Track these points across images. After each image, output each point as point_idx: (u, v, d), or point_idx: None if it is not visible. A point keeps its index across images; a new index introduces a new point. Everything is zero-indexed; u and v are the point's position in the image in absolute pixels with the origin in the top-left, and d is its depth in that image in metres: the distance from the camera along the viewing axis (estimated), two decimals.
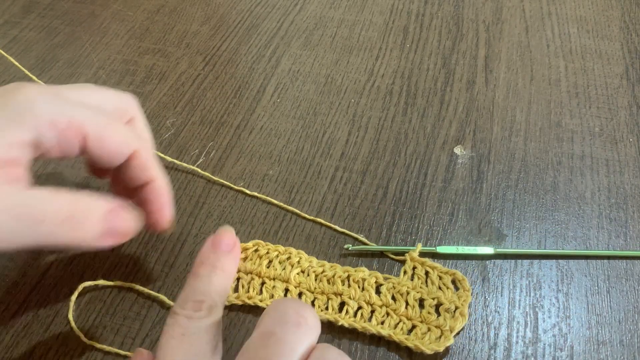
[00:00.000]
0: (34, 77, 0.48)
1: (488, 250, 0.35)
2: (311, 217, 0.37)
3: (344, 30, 0.52)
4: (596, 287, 0.34)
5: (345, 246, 0.36)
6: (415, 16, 0.53)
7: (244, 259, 0.34)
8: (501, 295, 0.33)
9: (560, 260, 0.35)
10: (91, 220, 0.28)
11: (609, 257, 0.35)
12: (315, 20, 0.53)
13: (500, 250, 0.35)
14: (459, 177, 0.39)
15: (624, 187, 0.39)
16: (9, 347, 0.32)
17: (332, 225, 0.37)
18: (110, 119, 0.30)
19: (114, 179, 0.33)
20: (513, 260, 0.35)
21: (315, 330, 0.25)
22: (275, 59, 0.49)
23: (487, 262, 0.35)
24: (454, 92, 0.45)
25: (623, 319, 0.32)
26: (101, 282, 0.34)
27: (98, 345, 0.32)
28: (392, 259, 0.35)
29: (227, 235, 0.31)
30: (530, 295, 0.33)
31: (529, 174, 0.40)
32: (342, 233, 0.36)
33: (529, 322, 0.32)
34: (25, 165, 0.28)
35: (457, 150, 0.41)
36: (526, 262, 0.35)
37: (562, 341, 0.32)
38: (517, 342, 0.32)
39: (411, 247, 0.35)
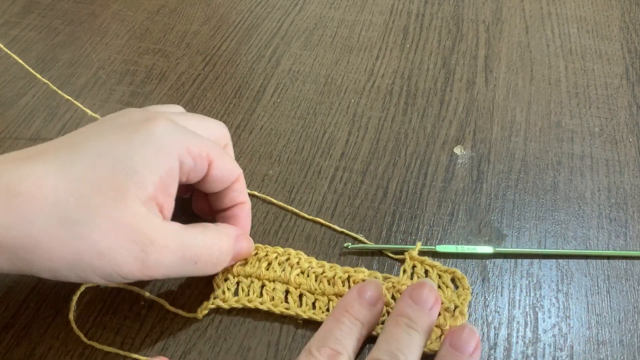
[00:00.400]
0: (37, 75, 0.48)
1: (487, 249, 0.35)
2: (311, 217, 0.37)
3: (344, 30, 0.52)
4: (596, 287, 0.34)
5: (345, 245, 0.36)
6: (415, 16, 0.53)
7: (244, 264, 0.34)
8: (501, 295, 0.33)
9: (560, 260, 0.35)
10: (228, 254, 0.32)
11: (608, 257, 0.35)
12: (315, 20, 0.53)
13: (500, 249, 0.35)
14: (459, 177, 0.39)
15: (623, 187, 0.39)
16: (9, 347, 0.32)
17: (332, 225, 0.37)
18: (221, 147, 0.33)
19: (200, 199, 0.36)
20: (513, 260, 0.35)
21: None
22: (275, 59, 0.49)
23: (486, 262, 0.35)
24: (454, 92, 0.46)
25: (623, 319, 0.32)
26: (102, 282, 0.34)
27: (98, 346, 0.32)
28: (392, 258, 0.35)
29: (374, 288, 0.31)
30: (530, 295, 0.33)
31: (528, 174, 0.40)
32: (342, 233, 0.36)
33: (529, 322, 0.32)
34: (174, 194, 0.30)
35: (457, 150, 0.41)
36: (526, 262, 0.35)
37: (562, 341, 0.32)
38: (517, 342, 0.32)
39: (411, 246, 0.35)
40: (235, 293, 0.33)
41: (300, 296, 0.33)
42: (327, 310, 0.32)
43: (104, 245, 0.26)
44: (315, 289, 0.33)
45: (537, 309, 0.33)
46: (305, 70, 0.48)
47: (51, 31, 0.53)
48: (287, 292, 0.33)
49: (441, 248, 0.35)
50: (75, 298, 0.33)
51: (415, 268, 0.34)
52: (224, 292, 0.33)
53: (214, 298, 0.33)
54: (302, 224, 0.37)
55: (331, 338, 0.28)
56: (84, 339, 0.32)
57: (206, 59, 0.50)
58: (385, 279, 0.33)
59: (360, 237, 0.36)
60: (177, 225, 0.29)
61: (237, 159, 0.41)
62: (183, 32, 0.52)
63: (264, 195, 0.39)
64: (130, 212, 0.27)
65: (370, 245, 0.36)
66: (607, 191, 0.38)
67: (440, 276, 0.33)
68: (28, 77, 0.48)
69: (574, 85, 0.46)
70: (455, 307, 0.32)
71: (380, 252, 0.36)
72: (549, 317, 0.33)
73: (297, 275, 0.33)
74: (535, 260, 0.35)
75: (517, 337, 0.32)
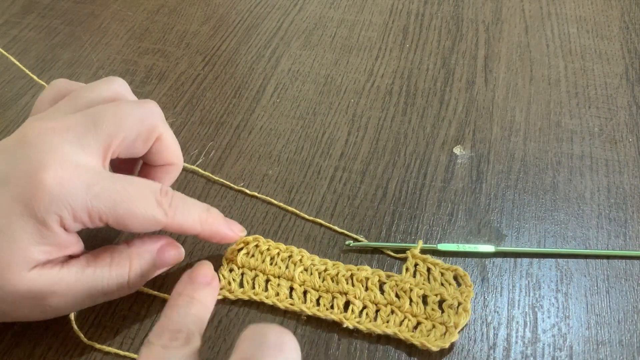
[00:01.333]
0: (34, 77, 0.48)
1: (489, 248, 0.35)
2: (311, 218, 0.37)
3: (344, 30, 0.52)
4: (595, 287, 0.34)
5: (347, 242, 0.36)
6: (415, 16, 0.53)
7: (246, 254, 0.35)
8: (500, 296, 0.33)
9: (559, 261, 0.35)
10: (144, 274, 0.31)
11: (608, 257, 0.35)
12: (315, 20, 0.53)
13: (501, 248, 0.35)
14: (459, 177, 0.40)
15: (623, 187, 0.39)
16: (9, 347, 0.32)
17: (331, 226, 0.37)
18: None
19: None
20: (512, 261, 0.35)
21: (297, 356, 0.24)
22: (275, 59, 0.49)
23: (486, 262, 0.35)
24: (454, 92, 0.46)
25: (622, 319, 0.32)
26: None
27: (97, 346, 0.32)
28: (392, 256, 0.35)
29: (205, 269, 0.31)
30: (529, 296, 0.33)
31: (528, 174, 0.40)
32: (342, 234, 0.36)
33: (528, 322, 0.32)
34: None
35: (457, 150, 0.41)
36: (525, 262, 0.35)
37: (561, 341, 0.32)
38: (516, 342, 0.32)
39: (412, 244, 0.35)
40: (241, 285, 0.34)
41: (305, 293, 0.33)
42: (332, 307, 0.32)
43: (8, 311, 0.28)
44: (320, 286, 0.33)
45: (536, 309, 0.33)
46: (304, 70, 0.48)
47: (51, 31, 0.53)
48: (291, 288, 0.33)
49: (442, 247, 0.35)
50: None
51: (418, 266, 0.34)
52: (229, 283, 0.34)
53: (220, 289, 0.33)
54: (302, 224, 0.37)
55: (168, 322, 0.28)
56: (84, 339, 0.32)
57: (206, 59, 0.50)
58: (388, 277, 0.33)
59: (360, 237, 0.36)
60: (77, 267, 0.29)
61: (237, 159, 0.41)
62: (183, 32, 0.52)
63: (263, 196, 0.39)
64: (21, 282, 0.27)
65: (372, 243, 0.36)
66: (607, 191, 0.38)
67: (442, 274, 0.33)
68: (28, 77, 0.48)
69: (574, 85, 0.46)
70: (459, 304, 0.32)
71: (380, 251, 0.36)
72: (549, 317, 0.33)
73: (301, 272, 0.34)
74: (535, 261, 0.35)
75: (517, 337, 0.32)
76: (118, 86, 0.33)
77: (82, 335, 0.32)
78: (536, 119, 0.43)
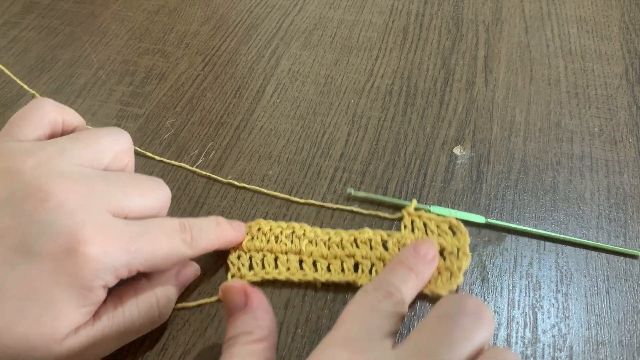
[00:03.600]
0: (24, 86, 0.48)
1: (480, 218, 0.36)
2: (302, 200, 0.38)
3: (344, 30, 0.52)
4: (595, 288, 0.34)
5: (348, 190, 0.38)
6: (414, 16, 0.53)
7: (251, 238, 0.35)
8: (500, 296, 0.33)
9: (559, 261, 0.35)
10: (170, 301, 0.32)
11: (601, 250, 0.35)
12: (315, 20, 0.53)
13: (492, 221, 0.36)
14: (459, 177, 0.40)
15: (623, 188, 0.39)
16: None
17: (324, 204, 0.38)
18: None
19: None
20: (513, 261, 0.35)
21: (491, 327, 0.26)
22: (274, 59, 0.49)
23: (486, 262, 0.35)
24: (454, 92, 0.46)
25: (622, 320, 0.32)
26: None
27: None
28: (388, 218, 0.37)
29: (429, 246, 0.33)
30: (529, 296, 0.33)
31: (528, 174, 0.40)
32: (337, 209, 0.36)
33: (528, 323, 0.32)
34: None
35: (457, 150, 0.41)
36: (526, 262, 0.35)
37: (561, 342, 0.32)
38: (516, 343, 0.32)
39: (407, 202, 0.37)
40: (250, 268, 0.34)
41: (314, 263, 0.34)
42: (342, 271, 0.34)
43: None
44: (327, 254, 0.35)
45: (536, 310, 0.33)
46: (304, 71, 0.48)
47: (51, 31, 0.53)
48: (300, 261, 0.35)
49: (435, 209, 0.37)
50: None
51: (414, 222, 0.36)
52: (239, 269, 0.34)
53: (232, 277, 0.34)
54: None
55: (385, 282, 0.29)
56: None
57: (206, 59, 0.50)
58: (389, 235, 0.35)
59: (355, 209, 0.37)
60: (107, 314, 0.29)
61: (237, 159, 0.41)
62: (183, 32, 0.52)
63: (252, 186, 0.39)
64: (62, 347, 0.27)
65: (372, 195, 0.38)
66: (607, 191, 0.38)
67: (438, 226, 0.36)
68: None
69: (574, 85, 0.46)
70: (458, 249, 0.34)
71: (376, 216, 0.37)
72: (549, 318, 0.33)
73: (307, 244, 0.35)
74: (535, 261, 0.35)
75: (517, 337, 0.32)
76: (124, 143, 0.33)
77: None
78: (536, 119, 0.43)
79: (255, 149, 0.42)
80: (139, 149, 0.42)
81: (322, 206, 0.38)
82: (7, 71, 0.45)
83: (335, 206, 0.38)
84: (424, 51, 0.49)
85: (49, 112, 0.32)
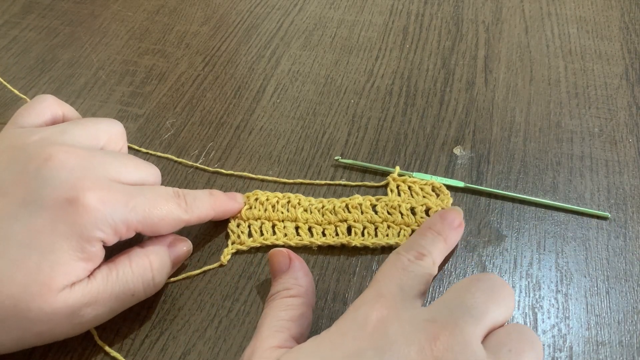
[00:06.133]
0: (16, 92, 0.48)
1: (459, 183, 0.39)
2: (291, 181, 0.40)
3: (344, 30, 0.52)
4: (595, 288, 0.34)
5: (335, 158, 0.40)
6: (414, 16, 0.53)
7: (249, 208, 0.37)
8: None
9: (559, 261, 0.35)
10: (164, 269, 0.33)
11: (573, 212, 0.35)
12: (315, 20, 0.53)
13: (470, 185, 0.39)
14: (459, 177, 0.40)
15: (623, 188, 0.39)
16: None
17: (313, 182, 0.39)
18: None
19: None
20: (512, 261, 0.35)
21: (512, 303, 0.28)
22: (275, 60, 0.49)
23: (486, 262, 0.35)
24: (454, 92, 0.46)
25: (622, 320, 0.32)
26: None
27: (107, 348, 0.32)
28: (374, 186, 0.39)
29: (456, 214, 0.34)
30: (529, 296, 0.33)
31: (528, 174, 0.40)
32: (325, 184, 0.37)
33: (528, 323, 0.32)
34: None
35: (457, 150, 0.41)
36: (526, 262, 0.35)
37: (561, 342, 0.32)
38: None
39: (391, 169, 0.39)
40: (250, 235, 0.36)
41: (310, 229, 0.37)
42: (337, 234, 0.36)
43: (46, 332, 0.29)
44: (321, 221, 0.37)
45: (536, 310, 0.33)
46: (304, 71, 0.48)
47: (51, 31, 0.53)
48: (297, 228, 0.37)
49: (417, 175, 0.39)
50: None
51: (400, 187, 0.38)
52: (239, 236, 0.36)
53: (232, 243, 0.36)
54: None
55: (416, 244, 0.31)
56: (98, 340, 0.32)
57: (206, 59, 0.50)
58: (377, 199, 0.37)
59: (342, 182, 0.36)
60: (102, 275, 0.30)
61: (237, 159, 0.41)
62: (183, 32, 0.52)
63: (239, 172, 0.40)
64: (58, 301, 0.28)
65: (358, 162, 0.40)
66: (607, 192, 0.38)
67: (422, 189, 0.38)
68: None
69: (574, 85, 0.46)
70: (442, 209, 0.36)
71: (363, 185, 0.39)
72: (548, 318, 0.33)
73: (302, 212, 0.37)
74: (535, 261, 0.35)
75: None
76: (119, 128, 0.35)
77: (96, 335, 0.32)
78: (536, 119, 0.43)
79: (255, 149, 0.42)
80: (140, 148, 0.42)
81: (312, 184, 0.39)
82: (2, 81, 0.45)
83: (324, 182, 0.39)
84: (424, 51, 0.49)
85: (51, 105, 0.35)
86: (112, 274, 0.30)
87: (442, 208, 0.37)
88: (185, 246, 0.34)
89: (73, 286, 0.28)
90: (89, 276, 0.29)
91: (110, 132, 0.34)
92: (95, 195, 0.29)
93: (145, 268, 0.31)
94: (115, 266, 0.30)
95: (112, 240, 0.30)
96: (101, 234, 0.29)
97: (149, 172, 0.34)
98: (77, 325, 0.29)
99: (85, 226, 0.28)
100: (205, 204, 0.34)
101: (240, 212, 0.37)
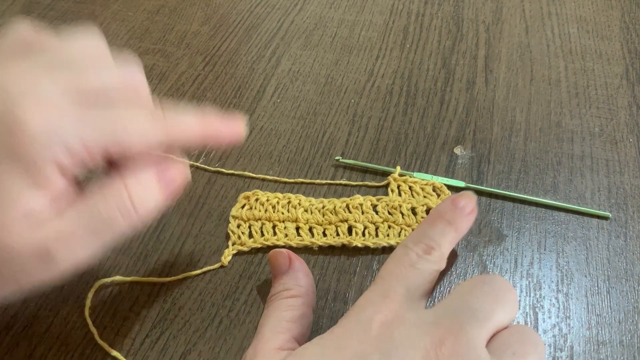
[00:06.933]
0: None
1: (460, 183, 0.39)
2: (291, 180, 0.40)
3: (344, 30, 0.52)
4: (596, 288, 0.34)
5: (336, 158, 0.40)
6: (415, 16, 0.53)
7: (249, 208, 0.37)
8: None
9: (560, 261, 0.35)
10: (153, 197, 0.28)
11: (574, 212, 0.35)
12: (315, 20, 0.53)
13: (471, 185, 0.39)
14: (459, 177, 0.39)
15: (623, 188, 0.39)
16: (9, 347, 0.32)
17: (314, 181, 0.39)
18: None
19: None
20: (513, 261, 0.35)
21: (515, 305, 0.27)
22: (275, 59, 0.49)
23: (487, 262, 0.35)
24: (454, 92, 0.46)
25: (623, 319, 0.32)
26: (117, 278, 0.34)
27: (106, 348, 0.32)
28: (374, 186, 0.39)
29: (469, 200, 0.32)
30: (530, 296, 0.33)
31: (528, 174, 0.40)
32: (325, 184, 0.36)
33: (528, 323, 0.32)
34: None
35: (457, 150, 0.41)
36: (526, 262, 0.35)
37: (562, 341, 0.32)
38: None
39: (392, 169, 0.39)
40: (250, 236, 0.36)
41: (310, 229, 0.37)
42: (337, 235, 0.36)
43: (19, 273, 0.25)
44: (322, 221, 0.37)
45: (537, 310, 0.33)
46: (305, 71, 0.48)
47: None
48: (297, 228, 0.37)
49: (418, 175, 0.39)
50: (90, 295, 0.33)
51: (400, 187, 0.38)
52: (239, 237, 0.36)
53: (233, 244, 0.36)
54: None
55: (425, 236, 0.30)
56: (98, 339, 0.32)
57: (206, 59, 0.50)
58: (378, 200, 0.37)
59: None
60: (71, 209, 0.26)
61: (237, 159, 0.41)
62: (183, 32, 0.52)
63: (239, 172, 0.40)
64: (21, 239, 0.25)
65: (359, 162, 0.40)
66: (607, 191, 0.38)
67: (423, 189, 0.38)
68: None
69: (574, 85, 0.46)
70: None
71: (363, 185, 0.39)
72: (549, 318, 0.33)
73: (303, 212, 0.37)
74: (535, 261, 0.35)
75: None
76: (97, 45, 0.31)
77: (96, 334, 0.32)
78: (536, 119, 0.43)
79: (255, 148, 0.42)
80: None
81: (313, 183, 0.39)
82: None
83: (325, 182, 0.39)
84: (425, 51, 0.49)
85: (27, 34, 0.29)
86: (81, 205, 0.26)
87: None
88: (179, 169, 0.29)
89: (35, 220, 0.25)
90: (57, 214, 0.26)
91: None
92: (35, 113, 0.24)
93: (120, 191, 0.26)
94: (85, 195, 0.26)
95: (71, 165, 0.25)
96: (51, 156, 0.25)
97: (120, 74, 0.29)
98: (53, 268, 0.26)
99: (28, 150, 0.24)
100: (188, 121, 0.29)
101: (240, 212, 0.37)
